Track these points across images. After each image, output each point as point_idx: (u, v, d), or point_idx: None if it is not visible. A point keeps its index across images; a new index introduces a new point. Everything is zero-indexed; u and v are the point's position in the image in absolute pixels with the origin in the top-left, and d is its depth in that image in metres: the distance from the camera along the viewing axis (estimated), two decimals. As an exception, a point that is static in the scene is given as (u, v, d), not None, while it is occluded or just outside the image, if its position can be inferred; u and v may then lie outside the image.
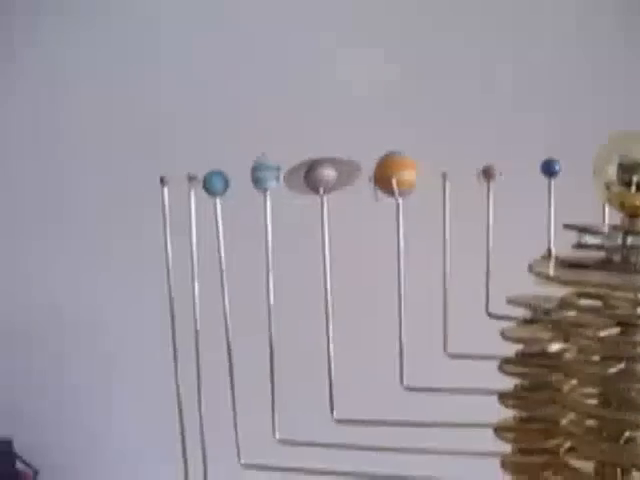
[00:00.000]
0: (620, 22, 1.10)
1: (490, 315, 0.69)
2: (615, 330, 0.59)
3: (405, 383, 0.66)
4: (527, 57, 1.14)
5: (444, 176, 0.65)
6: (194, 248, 0.62)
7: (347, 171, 0.63)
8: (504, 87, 1.15)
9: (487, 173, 0.69)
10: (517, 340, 0.62)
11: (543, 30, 1.15)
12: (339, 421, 0.64)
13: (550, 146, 0.71)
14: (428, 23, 1.16)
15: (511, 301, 0.63)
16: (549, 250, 0.64)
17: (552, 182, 0.68)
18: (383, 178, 0.61)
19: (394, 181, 0.61)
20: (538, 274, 0.59)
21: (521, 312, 0.64)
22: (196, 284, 0.63)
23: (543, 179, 0.68)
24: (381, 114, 1.14)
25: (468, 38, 1.15)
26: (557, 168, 0.68)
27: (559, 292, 0.62)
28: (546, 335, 0.62)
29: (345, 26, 1.19)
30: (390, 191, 0.61)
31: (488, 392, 0.64)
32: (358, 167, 0.62)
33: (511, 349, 0.64)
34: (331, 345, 0.64)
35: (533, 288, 0.61)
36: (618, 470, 0.59)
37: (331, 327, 0.64)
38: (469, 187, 0.66)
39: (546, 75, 1.13)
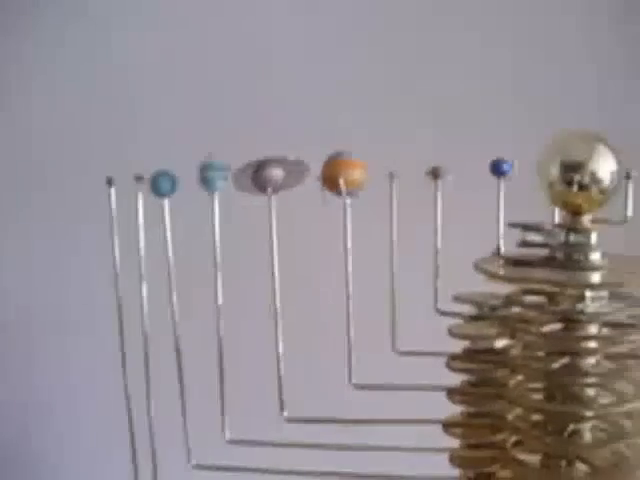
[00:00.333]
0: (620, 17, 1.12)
1: (439, 312, 0.69)
2: (559, 326, 0.60)
3: (354, 381, 0.66)
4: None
5: (391, 176, 0.66)
6: (142, 251, 0.62)
7: (296, 171, 0.63)
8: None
9: (435, 173, 0.70)
10: (464, 337, 0.63)
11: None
12: (289, 419, 0.65)
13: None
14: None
15: (457, 298, 0.64)
16: (498, 248, 0.64)
17: (501, 182, 0.69)
18: (330, 178, 0.62)
19: (341, 181, 0.61)
20: (483, 272, 0.60)
21: (470, 309, 0.65)
22: (144, 287, 0.63)
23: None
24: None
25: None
26: (506, 168, 0.69)
27: (507, 289, 0.63)
28: (492, 331, 0.63)
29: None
30: (337, 191, 0.62)
31: (436, 388, 0.65)
32: (307, 167, 0.63)
33: (459, 346, 0.65)
34: (280, 344, 0.64)
35: (483, 285, 0.62)
36: (563, 462, 0.61)
37: (280, 326, 0.64)
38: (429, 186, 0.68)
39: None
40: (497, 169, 0.69)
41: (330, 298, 0.66)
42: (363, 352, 0.65)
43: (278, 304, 0.63)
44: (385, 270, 0.69)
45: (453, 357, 0.64)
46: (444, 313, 0.68)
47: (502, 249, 0.65)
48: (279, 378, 0.64)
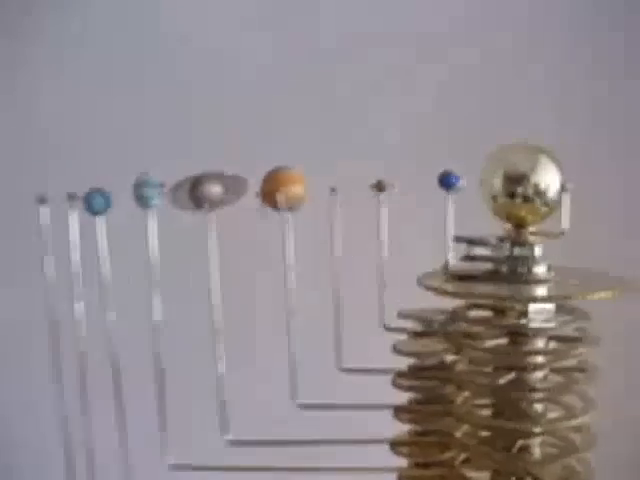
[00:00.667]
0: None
1: (386, 328, 0.68)
2: (504, 340, 0.59)
3: (298, 400, 0.65)
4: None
5: (332, 190, 0.64)
6: (76, 268, 0.60)
7: (234, 187, 0.61)
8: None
9: (379, 187, 0.68)
10: (409, 354, 0.62)
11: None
12: (232, 442, 0.63)
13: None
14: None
15: (402, 314, 0.63)
16: (447, 262, 0.63)
17: (450, 195, 0.68)
18: (269, 194, 0.60)
19: (280, 196, 0.59)
20: (426, 287, 0.58)
21: (415, 325, 0.64)
22: (80, 304, 0.60)
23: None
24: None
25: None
26: (454, 181, 0.68)
27: (454, 304, 0.62)
28: (438, 348, 0.62)
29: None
30: (277, 207, 0.60)
31: (383, 407, 0.63)
32: (245, 182, 0.61)
33: (407, 362, 0.64)
34: (221, 363, 0.62)
35: (433, 300, 0.61)
36: (513, 479, 0.59)
37: (221, 344, 0.62)
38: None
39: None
40: (446, 182, 0.68)
41: (273, 315, 0.64)
42: (308, 370, 0.64)
43: (218, 322, 0.61)
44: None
45: (399, 374, 0.63)
46: (390, 329, 0.67)
47: (451, 263, 0.64)
48: (221, 399, 0.62)
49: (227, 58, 1.12)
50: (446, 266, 0.63)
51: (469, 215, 0.62)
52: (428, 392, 0.63)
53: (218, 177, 0.60)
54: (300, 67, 1.11)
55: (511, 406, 0.59)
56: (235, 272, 0.69)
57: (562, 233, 0.59)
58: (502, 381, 0.58)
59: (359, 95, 1.12)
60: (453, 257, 0.64)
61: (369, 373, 0.65)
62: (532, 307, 0.58)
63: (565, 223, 0.58)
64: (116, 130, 1.11)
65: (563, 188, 0.58)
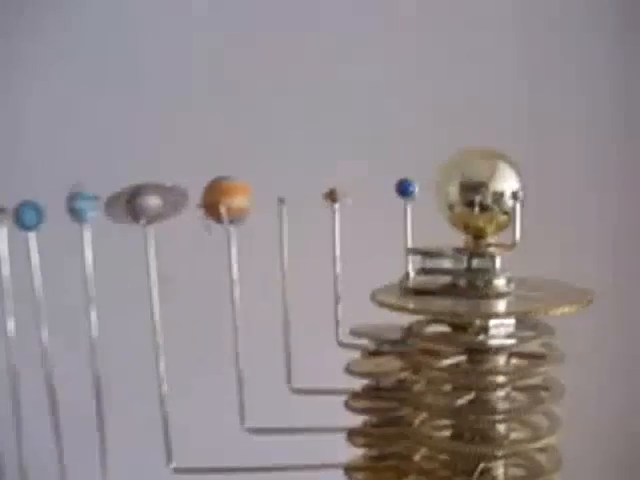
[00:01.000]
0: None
1: (340, 344, 0.64)
2: (464, 358, 0.55)
3: (247, 424, 0.61)
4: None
5: (280, 201, 0.61)
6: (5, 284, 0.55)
7: (173, 199, 0.57)
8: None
9: (331, 196, 0.65)
10: (362, 374, 0.58)
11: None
12: (177, 470, 0.59)
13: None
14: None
15: (354, 332, 0.59)
16: (407, 274, 0.59)
17: (408, 204, 0.64)
18: (211, 205, 0.56)
19: (222, 208, 0.56)
20: (379, 303, 0.55)
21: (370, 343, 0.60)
22: (11, 322, 0.56)
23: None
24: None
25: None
26: (412, 189, 0.64)
27: (411, 319, 0.58)
28: (394, 367, 0.58)
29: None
30: (219, 219, 0.56)
31: (337, 430, 0.60)
32: (185, 194, 0.57)
33: (362, 382, 0.60)
34: (164, 386, 0.58)
35: (388, 315, 0.57)
36: (475, 503, 0.56)
37: (162, 364, 0.58)
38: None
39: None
40: (403, 190, 0.65)
41: (219, 333, 0.61)
42: (257, 391, 0.60)
43: (159, 340, 0.57)
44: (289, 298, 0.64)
45: (353, 396, 0.59)
46: (345, 345, 0.63)
47: (412, 275, 0.60)
48: (164, 424, 0.58)
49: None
50: (405, 279, 0.59)
51: (432, 225, 0.59)
52: (383, 414, 0.59)
53: (156, 188, 0.56)
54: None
55: (472, 428, 0.55)
56: (178, 287, 0.66)
57: (514, 244, 0.55)
58: (461, 402, 0.54)
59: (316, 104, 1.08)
60: (414, 269, 0.60)
61: (322, 393, 0.62)
62: (492, 322, 0.54)
63: (517, 234, 0.54)
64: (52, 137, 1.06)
65: (514, 196, 0.54)
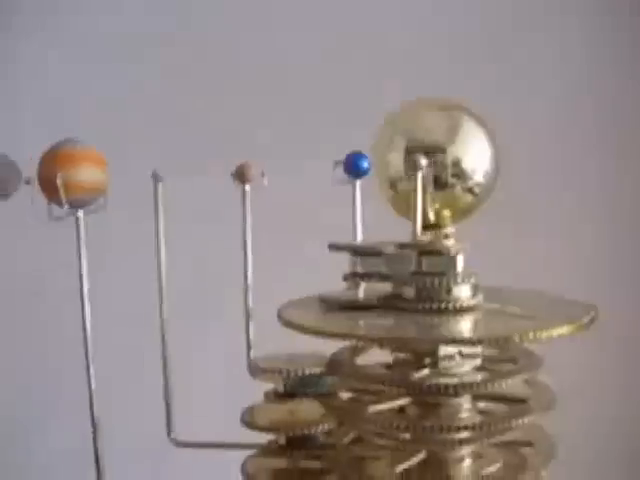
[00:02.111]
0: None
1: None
2: (409, 401, 0.38)
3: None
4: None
5: (155, 176, 0.43)
6: None
7: (2, 173, 0.40)
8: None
9: (240, 175, 0.48)
10: (264, 428, 0.40)
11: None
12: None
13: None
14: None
15: (255, 367, 0.41)
16: (352, 275, 0.41)
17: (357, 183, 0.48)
18: (47, 180, 0.39)
19: (59, 183, 0.38)
20: (286, 323, 0.37)
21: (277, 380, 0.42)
22: None
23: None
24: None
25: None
26: (366, 166, 0.47)
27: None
28: (311, 415, 0.40)
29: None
30: (56, 199, 0.38)
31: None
32: (16, 169, 0.40)
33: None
34: None
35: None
36: None
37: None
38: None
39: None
40: (354, 166, 0.48)
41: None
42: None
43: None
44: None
45: (253, 455, 0.41)
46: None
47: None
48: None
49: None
50: (351, 277, 0.41)
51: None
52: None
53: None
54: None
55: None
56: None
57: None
58: (402, 468, 0.37)
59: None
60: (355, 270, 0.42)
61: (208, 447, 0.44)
62: (448, 351, 0.37)
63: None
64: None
65: (415, 166, 0.36)
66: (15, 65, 0.78)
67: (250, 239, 0.48)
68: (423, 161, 0.36)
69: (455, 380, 0.36)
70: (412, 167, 0.36)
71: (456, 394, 0.37)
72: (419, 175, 0.36)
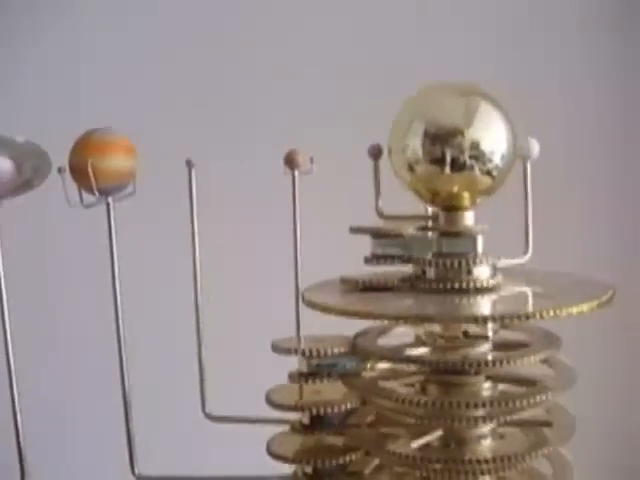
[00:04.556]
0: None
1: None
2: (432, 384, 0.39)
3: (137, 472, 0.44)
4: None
5: (188, 163, 0.44)
6: None
7: (33, 162, 0.41)
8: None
9: (290, 160, 0.48)
10: (289, 407, 0.41)
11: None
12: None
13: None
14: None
15: (276, 347, 0.42)
16: (373, 257, 0.42)
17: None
18: (78, 168, 0.40)
19: (91, 172, 0.39)
20: (311, 304, 0.38)
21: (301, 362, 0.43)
22: None
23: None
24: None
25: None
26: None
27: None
28: (335, 395, 0.41)
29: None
30: (88, 187, 0.40)
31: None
32: (47, 159, 0.41)
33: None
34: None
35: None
36: None
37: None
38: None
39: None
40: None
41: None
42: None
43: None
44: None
45: (278, 434, 0.42)
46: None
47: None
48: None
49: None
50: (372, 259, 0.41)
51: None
52: (321, 461, 0.42)
53: (8, 146, 0.40)
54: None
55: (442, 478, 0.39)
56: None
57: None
58: (418, 444, 0.38)
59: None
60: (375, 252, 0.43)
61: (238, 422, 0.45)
62: (472, 330, 0.38)
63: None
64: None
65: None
66: (43, 49, 0.79)
67: (299, 224, 0.48)
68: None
69: (479, 356, 0.37)
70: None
71: (479, 371, 0.38)
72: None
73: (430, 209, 0.41)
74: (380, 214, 0.41)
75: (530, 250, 0.43)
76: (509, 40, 0.80)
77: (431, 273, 0.39)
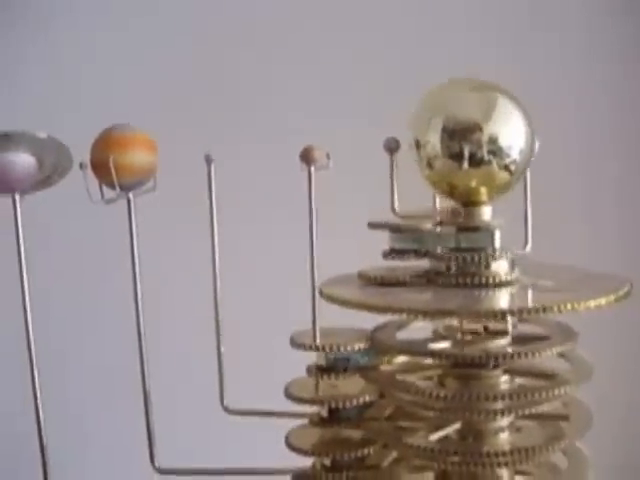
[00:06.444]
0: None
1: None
2: (449, 378, 0.39)
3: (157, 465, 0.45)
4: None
5: (207, 159, 0.45)
6: None
7: (54, 158, 0.41)
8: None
9: (306, 156, 0.48)
10: (307, 400, 0.42)
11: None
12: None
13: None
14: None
15: (295, 342, 0.42)
16: (391, 252, 0.42)
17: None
18: (100, 164, 0.40)
19: (112, 168, 0.40)
20: (329, 298, 0.38)
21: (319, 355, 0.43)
22: None
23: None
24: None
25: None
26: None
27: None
28: (353, 389, 0.42)
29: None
30: (109, 183, 0.40)
31: (277, 472, 0.44)
32: (68, 154, 0.41)
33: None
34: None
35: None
36: None
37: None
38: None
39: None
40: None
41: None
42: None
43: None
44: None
45: (298, 428, 0.43)
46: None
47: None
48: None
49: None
50: (390, 255, 0.41)
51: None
52: (339, 453, 0.42)
53: (29, 141, 0.40)
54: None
55: (460, 473, 0.39)
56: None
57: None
58: (436, 437, 0.38)
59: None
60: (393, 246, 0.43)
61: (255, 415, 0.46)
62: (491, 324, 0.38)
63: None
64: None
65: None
66: (61, 49, 0.80)
67: (315, 219, 0.48)
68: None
69: (497, 350, 0.38)
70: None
71: (497, 365, 0.38)
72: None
73: (439, 204, 0.42)
74: (395, 213, 0.41)
75: (530, 242, 0.43)
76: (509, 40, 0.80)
77: (450, 267, 0.39)
